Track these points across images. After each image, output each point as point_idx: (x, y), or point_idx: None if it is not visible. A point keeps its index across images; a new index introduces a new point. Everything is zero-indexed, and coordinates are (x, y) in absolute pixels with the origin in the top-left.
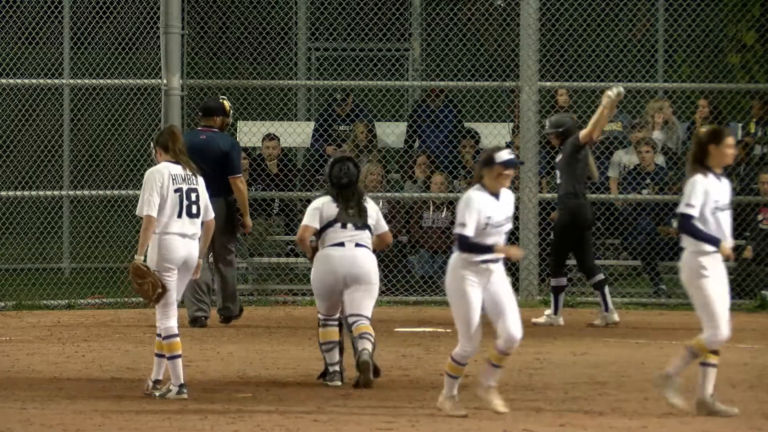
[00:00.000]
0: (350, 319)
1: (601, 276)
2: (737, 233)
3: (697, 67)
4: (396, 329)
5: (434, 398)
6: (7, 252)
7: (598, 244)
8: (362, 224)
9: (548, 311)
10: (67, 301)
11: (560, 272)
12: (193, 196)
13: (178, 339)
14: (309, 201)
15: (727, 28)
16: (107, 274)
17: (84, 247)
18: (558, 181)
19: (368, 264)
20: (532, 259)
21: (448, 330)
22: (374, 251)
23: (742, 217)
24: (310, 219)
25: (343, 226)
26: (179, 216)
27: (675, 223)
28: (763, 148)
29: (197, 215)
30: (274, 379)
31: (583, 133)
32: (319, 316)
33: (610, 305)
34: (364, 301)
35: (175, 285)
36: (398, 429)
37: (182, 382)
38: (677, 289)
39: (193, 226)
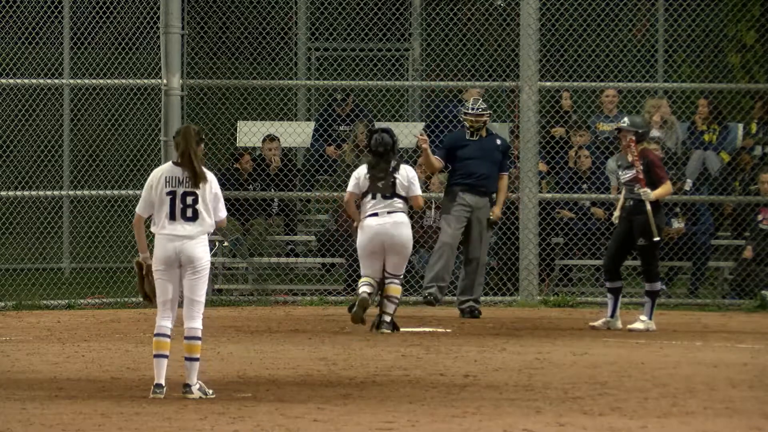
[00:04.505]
0: (386, 276)
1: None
2: (737, 233)
3: (697, 67)
4: None
5: (434, 398)
6: (7, 252)
7: (598, 244)
8: (390, 194)
9: (643, 317)
10: (67, 301)
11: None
12: (189, 200)
13: (164, 339)
14: (309, 201)
15: (727, 28)
16: (107, 274)
17: (84, 247)
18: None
19: (401, 229)
20: (532, 259)
21: (448, 330)
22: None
23: (742, 217)
24: (352, 186)
25: (374, 197)
26: (172, 218)
27: (675, 223)
28: (763, 148)
29: (193, 218)
30: (274, 379)
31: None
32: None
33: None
34: (399, 263)
35: (171, 285)
36: (398, 429)
37: (158, 382)
38: (677, 289)
39: (189, 229)
